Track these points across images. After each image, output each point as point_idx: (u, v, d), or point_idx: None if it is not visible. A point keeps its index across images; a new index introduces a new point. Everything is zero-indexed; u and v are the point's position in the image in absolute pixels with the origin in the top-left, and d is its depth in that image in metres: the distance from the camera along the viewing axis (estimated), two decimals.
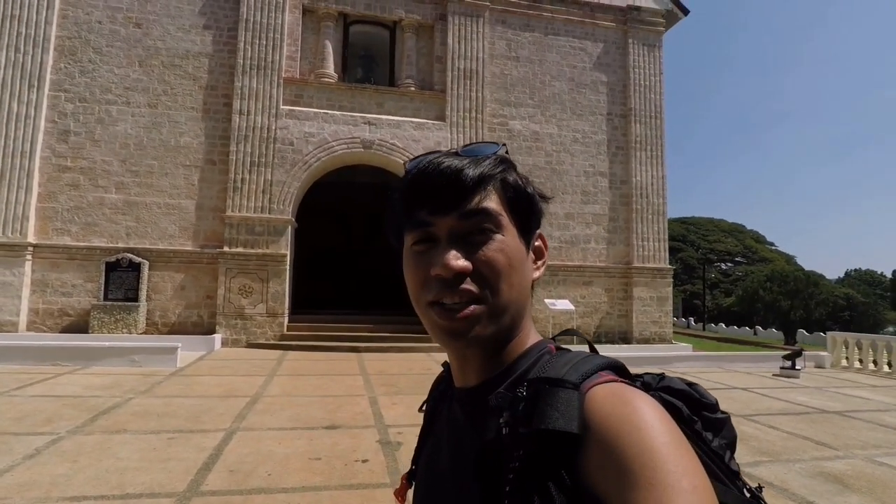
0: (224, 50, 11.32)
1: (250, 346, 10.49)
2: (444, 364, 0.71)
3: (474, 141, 11.91)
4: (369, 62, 12.97)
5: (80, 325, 10.22)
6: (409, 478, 0.72)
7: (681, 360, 10.39)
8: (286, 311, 10.97)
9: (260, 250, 10.80)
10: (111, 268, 10.26)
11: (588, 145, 13.20)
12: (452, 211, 0.57)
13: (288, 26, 11.54)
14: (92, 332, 9.95)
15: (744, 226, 59.60)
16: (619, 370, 0.56)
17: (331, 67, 11.83)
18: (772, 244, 58.88)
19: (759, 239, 57.65)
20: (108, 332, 9.94)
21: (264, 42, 11.30)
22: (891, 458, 4.64)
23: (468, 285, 0.56)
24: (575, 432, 0.47)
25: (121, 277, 10.27)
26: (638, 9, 13.71)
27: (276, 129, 11.12)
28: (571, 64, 13.32)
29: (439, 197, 0.57)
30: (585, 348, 0.62)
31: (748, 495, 0.58)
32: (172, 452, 4.11)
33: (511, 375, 0.58)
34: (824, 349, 11.80)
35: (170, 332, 10.42)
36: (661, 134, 13.59)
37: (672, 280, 13.42)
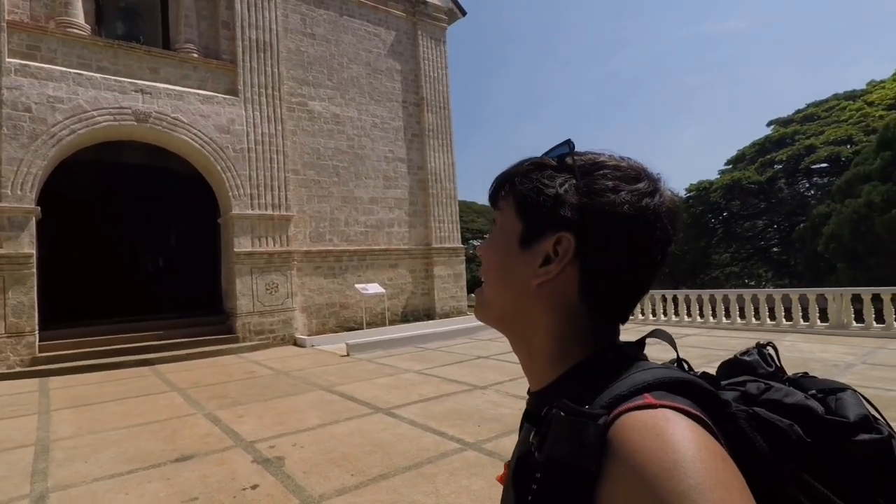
0: None
1: None
2: None
3: (271, 119, 11.07)
4: (133, 17, 10.68)
5: None
6: None
7: (483, 328, 11.63)
8: (36, 328, 8.48)
9: None
10: None
11: (387, 131, 13.46)
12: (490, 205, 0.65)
13: None
14: None
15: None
16: (676, 387, 0.48)
17: (80, 16, 9.35)
18: None
19: None
20: None
21: None
22: None
23: (482, 272, 0.65)
24: (586, 468, 0.43)
25: None
26: (424, 3, 14.40)
27: (1, 89, 8.33)
28: (367, 49, 13.30)
29: (490, 192, 0.65)
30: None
31: None
32: None
33: (559, 390, 0.55)
34: None
35: None
36: (449, 124, 14.69)
37: (465, 258, 14.82)
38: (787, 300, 9.92)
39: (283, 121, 11.34)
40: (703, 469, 0.39)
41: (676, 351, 0.61)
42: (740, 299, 10.59)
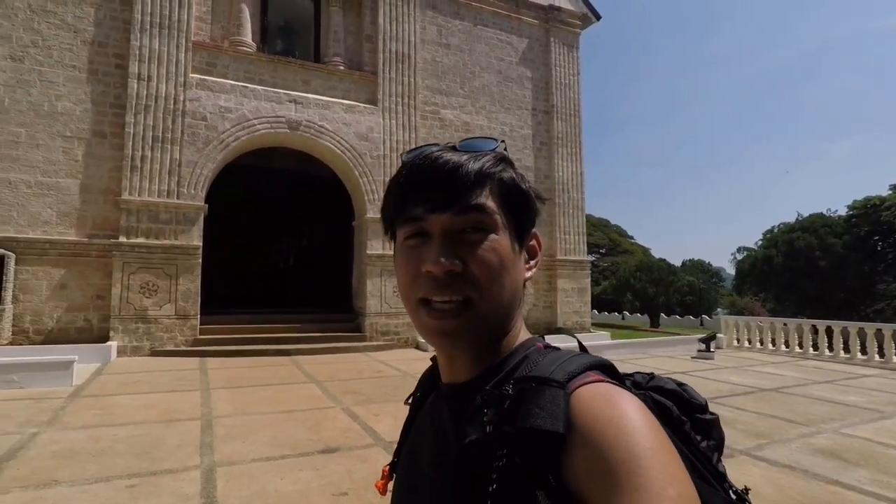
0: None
1: (155, 353, 8.92)
2: (433, 358, 0.69)
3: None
4: (291, 34, 11.72)
5: None
6: (392, 469, 0.72)
7: (607, 348, 10.91)
8: (198, 312, 9.52)
9: (167, 241, 9.20)
10: None
11: (515, 139, 13.31)
12: (448, 208, 0.56)
13: None
14: None
15: (608, 220, 65.54)
16: (607, 370, 0.55)
17: (248, 35, 10.44)
18: (631, 237, 65.77)
19: (621, 233, 63.98)
20: None
21: None
22: (852, 428, 5.17)
23: (459, 284, 0.55)
24: (560, 432, 0.46)
25: None
26: (558, 9, 14.10)
27: (184, 101, 9.52)
28: (499, 57, 13.31)
29: (435, 193, 0.56)
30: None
31: (734, 497, 0.59)
32: None
33: (499, 373, 0.57)
34: (689, 330, 13.28)
35: (45, 342, 8.48)
36: (579, 132, 14.18)
37: (590, 272, 14.14)
38: None
39: (417, 129, 11.68)
40: (655, 435, 0.45)
41: (580, 343, 0.65)
42: None
